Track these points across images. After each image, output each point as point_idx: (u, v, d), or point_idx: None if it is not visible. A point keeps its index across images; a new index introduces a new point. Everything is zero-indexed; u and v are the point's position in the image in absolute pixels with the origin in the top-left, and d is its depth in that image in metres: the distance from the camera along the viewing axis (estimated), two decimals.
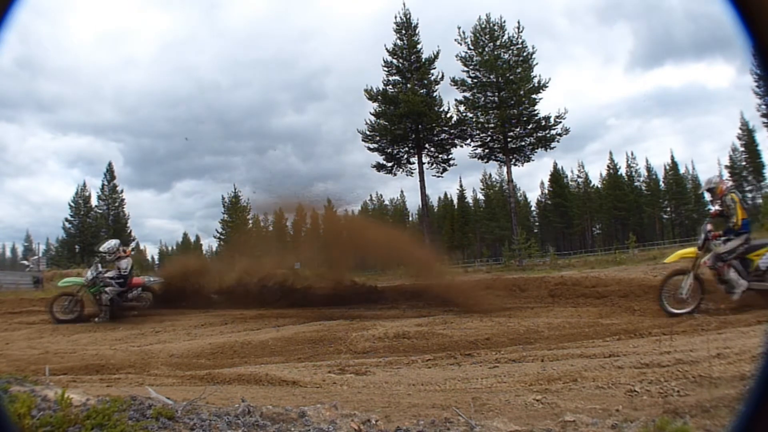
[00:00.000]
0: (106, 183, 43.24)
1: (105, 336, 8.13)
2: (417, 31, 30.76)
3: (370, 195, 58.40)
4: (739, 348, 4.08)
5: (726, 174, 44.88)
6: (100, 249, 10.75)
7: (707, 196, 7.42)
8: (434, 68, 30.51)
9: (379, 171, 31.43)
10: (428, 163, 31.17)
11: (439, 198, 57.90)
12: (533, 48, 29.59)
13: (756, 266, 6.50)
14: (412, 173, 31.32)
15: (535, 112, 29.12)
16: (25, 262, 25.34)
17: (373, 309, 9.63)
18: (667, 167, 51.41)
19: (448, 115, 30.43)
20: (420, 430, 2.53)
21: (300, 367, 5.09)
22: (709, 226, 6.98)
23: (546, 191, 55.04)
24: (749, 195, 45.56)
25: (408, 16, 30.81)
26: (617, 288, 8.92)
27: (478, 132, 30.14)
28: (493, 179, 52.56)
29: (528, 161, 30.58)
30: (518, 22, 29.74)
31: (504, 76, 28.87)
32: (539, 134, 29.20)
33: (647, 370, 3.81)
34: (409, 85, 29.84)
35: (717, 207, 7.11)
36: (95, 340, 7.84)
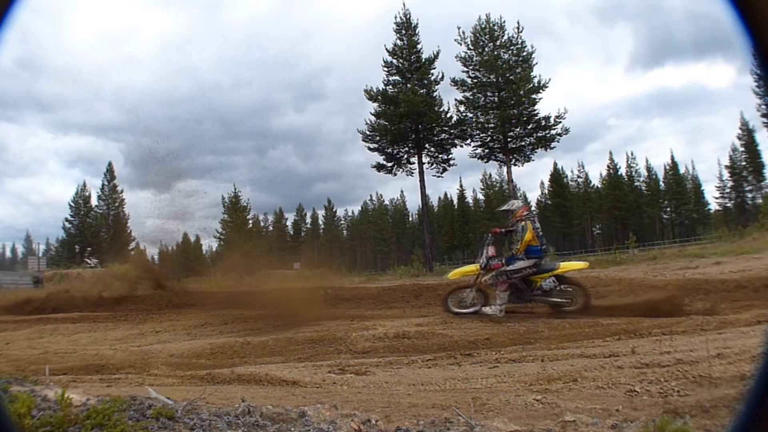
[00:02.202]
0: (106, 183, 43.33)
1: (105, 336, 8.13)
2: (417, 31, 30.82)
3: (370, 195, 58.50)
4: (739, 348, 4.08)
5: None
6: None
7: (506, 216, 7.94)
8: (434, 68, 30.57)
9: (379, 171, 31.50)
10: (428, 163, 31.22)
11: (439, 198, 58.01)
12: (533, 48, 29.68)
13: (539, 286, 7.29)
14: (412, 173, 31.37)
15: (535, 112, 29.16)
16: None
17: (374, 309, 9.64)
18: (667, 167, 51.53)
19: (448, 115, 30.47)
20: (420, 430, 2.53)
21: (300, 367, 5.09)
22: (491, 250, 7.58)
23: (546, 191, 55.08)
24: (749, 195, 45.63)
25: (408, 16, 30.86)
26: (617, 288, 8.91)
27: (478, 132, 30.18)
28: (493, 179, 52.67)
29: (528, 161, 30.65)
30: (518, 22, 29.83)
31: (504, 76, 28.90)
32: (539, 134, 29.23)
33: (647, 370, 3.81)
34: (409, 85, 29.86)
35: (507, 228, 7.75)
36: (95, 340, 7.84)
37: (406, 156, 31.11)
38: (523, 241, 7.22)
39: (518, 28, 29.62)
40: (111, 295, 12.13)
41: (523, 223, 7.38)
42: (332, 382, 4.31)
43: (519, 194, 47.97)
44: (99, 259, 26.19)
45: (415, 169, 31.12)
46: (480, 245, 7.78)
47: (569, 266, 7.58)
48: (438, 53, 30.58)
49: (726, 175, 47.76)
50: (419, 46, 30.68)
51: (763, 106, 34.69)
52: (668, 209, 52.53)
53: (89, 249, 32.50)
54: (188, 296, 11.98)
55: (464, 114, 30.28)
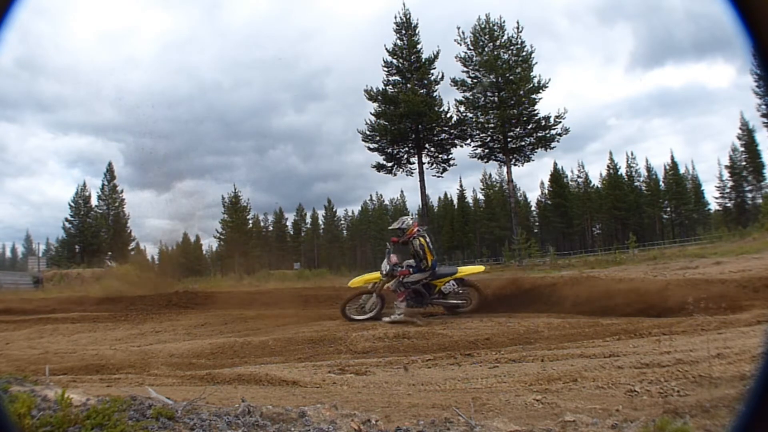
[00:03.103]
0: (106, 183, 43.31)
1: (105, 336, 8.13)
2: (417, 31, 30.85)
3: (370, 195, 58.53)
4: (739, 348, 4.08)
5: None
6: None
7: (399, 233, 8.28)
8: (434, 68, 30.61)
9: (379, 171, 31.52)
10: (428, 163, 31.25)
11: (439, 198, 57.93)
12: (533, 48, 29.68)
13: (439, 290, 7.92)
14: (412, 173, 31.40)
15: (535, 112, 29.19)
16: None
17: None
18: (667, 167, 51.42)
19: (448, 115, 30.50)
20: (420, 430, 2.53)
21: (300, 367, 5.09)
22: (394, 258, 8.01)
23: (546, 191, 55.05)
24: (749, 195, 45.62)
25: (408, 16, 30.89)
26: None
27: (478, 132, 30.22)
28: (493, 179, 52.61)
29: (528, 161, 30.70)
30: (518, 23, 29.86)
31: (504, 76, 28.90)
32: (539, 134, 29.26)
33: (647, 370, 3.81)
34: (409, 85, 29.88)
35: (403, 240, 8.17)
36: (95, 340, 7.84)
37: (406, 156, 31.14)
38: (428, 257, 7.80)
39: (518, 28, 29.67)
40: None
41: (418, 240, 7.86)
42: (332, 382, 4.31)
43: (519, 193, 48.05)
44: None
45: (415, 169, 31.16)
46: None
47: (467, 270, 8.40)
48: (438, 53, 30.64)
49: (726, 175, 47.72)
50: (419, 46, 30.72)
51: (763, 106, 34.71)
52: (668, 209, 52.45)
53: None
54: (194, 297, 12.07)
55: (464, 114, 30.34)
